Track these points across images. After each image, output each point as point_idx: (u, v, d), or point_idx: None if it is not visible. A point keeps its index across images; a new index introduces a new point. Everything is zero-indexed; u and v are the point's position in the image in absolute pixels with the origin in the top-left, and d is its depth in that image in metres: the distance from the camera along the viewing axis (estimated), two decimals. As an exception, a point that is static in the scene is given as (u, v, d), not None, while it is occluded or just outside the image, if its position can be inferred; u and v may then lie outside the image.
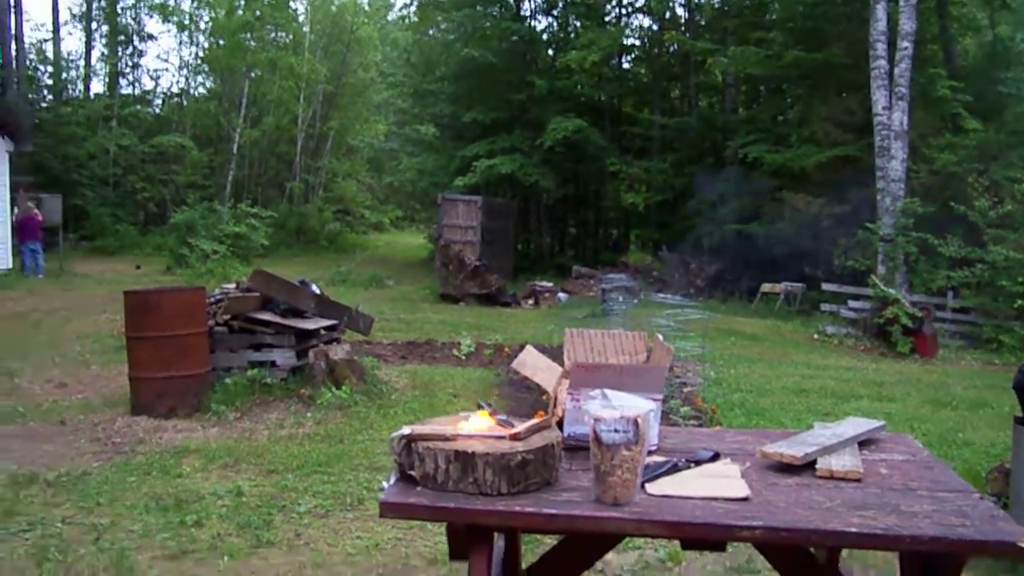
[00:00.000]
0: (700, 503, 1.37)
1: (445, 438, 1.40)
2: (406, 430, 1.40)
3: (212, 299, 4.63)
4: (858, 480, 1.48)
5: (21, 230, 10.47)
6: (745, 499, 1.38)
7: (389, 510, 1.34)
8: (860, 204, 9.64)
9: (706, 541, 1.37)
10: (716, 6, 14.16)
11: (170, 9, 17.89)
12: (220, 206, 14.02)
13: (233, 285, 4.95)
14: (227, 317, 4.51)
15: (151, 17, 18.76)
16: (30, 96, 15.63)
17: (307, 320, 4.78)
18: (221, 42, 17.34)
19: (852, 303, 8.84)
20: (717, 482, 1.46)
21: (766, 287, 10.86)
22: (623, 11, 15.22)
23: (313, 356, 4.63)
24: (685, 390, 5.00)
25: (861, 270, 9.15)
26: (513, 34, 13.85)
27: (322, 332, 4.88)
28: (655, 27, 15.27)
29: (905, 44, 9.13)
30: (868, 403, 5.06)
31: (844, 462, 1.53)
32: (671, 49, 14.88)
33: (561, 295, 10.64)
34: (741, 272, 11.51)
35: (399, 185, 18.78)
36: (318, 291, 5.09)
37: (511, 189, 14.11)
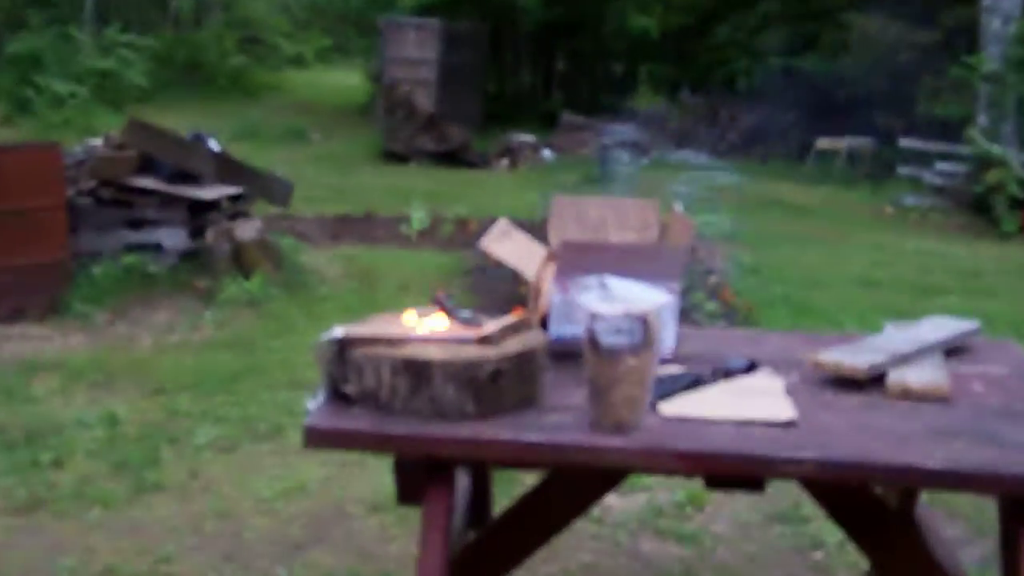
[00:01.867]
0: (730, 428, 1.38)
1: (391, 342, 1.43)
2: (339, 332, 1.42)
3: (72, 160, 4.56)
4: (944, 400, 1.48)
5: None
6: (791, 423, 1.39)
7: (316, 438, 1.37)
8: (956, 29, 9.28)
9: (738, 478, 1.41)
10: None
11: None
12: (78, 32, 13.50)
13: (100, 141, 4.87)
14: (93, 184, 4.46)
15: None
16: None
17: (203, 188, 4.75)
18: None
19: (940, 165, 8.70)
20: (753, 401, 1.48)
21: (823, 143, 10.81)
22: None
23: (213, 236, 4.64)
24: (711, 280, 5.06)
25: (955, 120, 8.91)
26: None
27: (224, 204, 4.87)
28: None
29: None
30: (959, 299, 5.06)
31: (924, 376, 1.53)
32: None
33: (546, 152, 10.70)
34: (789, 123, 11.50)
35: (326, 4, 17.99)
36: (218, 149, 5.06)
37: (479, 10, 13.77)
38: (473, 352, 1.43)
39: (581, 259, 1.63)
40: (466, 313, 1.56)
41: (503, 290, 4.52)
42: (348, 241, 6.08)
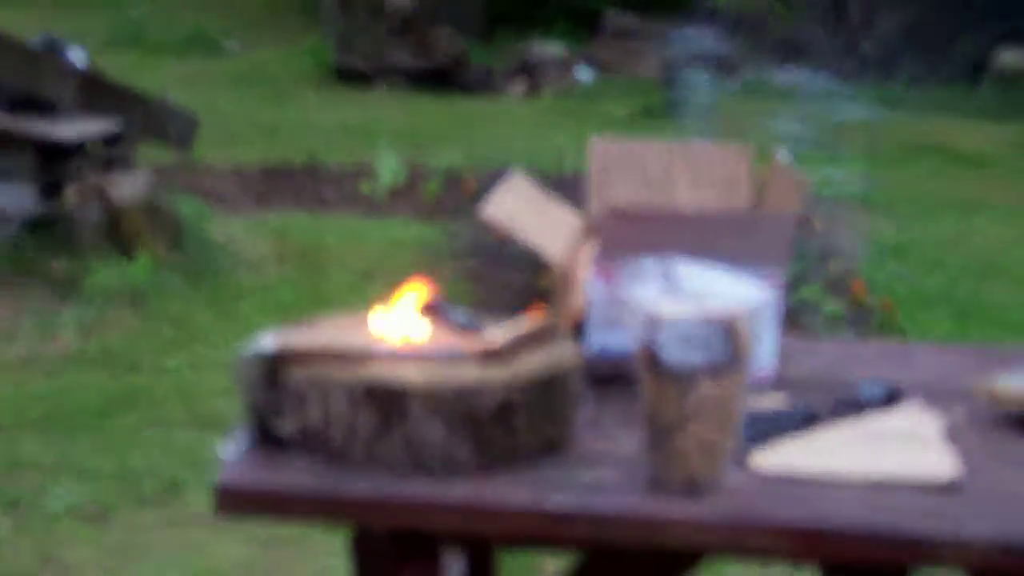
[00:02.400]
0: (860, 492, 1.39)
1: (348, 359, 1.47)
2: (269, 343, 1.46)
3: None
4: None
5: None
6: (953, 485, 1.41)
7: (233, 502, 1.40)
8: None
9: (871, 566, 1.42)
10: None
11: None
12: None
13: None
14: None
15: None
16: None
17: (60, 123, 4.80)
18: None
19: None
20: (896, 450, 1.49)
21: (1007, 58, 10.89)
22: None
23: (75, 196, 4.70)
24: (833, 266, 5.11)
25: None
26: None
27: (93, 148, 4.91)
28: None
29: None
30: None
31: None
32: None
33: (583, 72, 10.72)
34: (952, 29, 11.42)
35: None
36: (83, 63, 5.13)
37: None
38: (471, 375, 1.45)
39: (634, 233, 1.65)
40: (461, 315, 1.57)
41: (516, 280, 4.59)
42: (282, 205, 6.14)
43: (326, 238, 5.48)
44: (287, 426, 1.44)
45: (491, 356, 1.48)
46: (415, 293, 1.59)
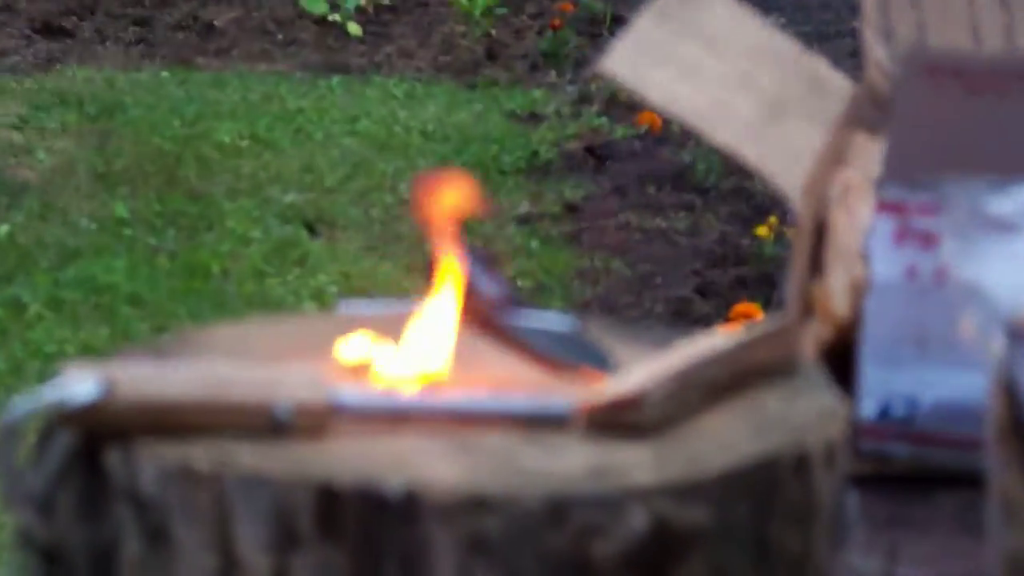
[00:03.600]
0: None
1: (277, 420, 1.12)
2: (85, 384, 1.12)
3: None
4: None
5: None
6: None
7: None
8: None
9: None
10: None
11: None
12: None
13: None
14: None
15: None
16: None
17: None
18: None
19: None
20: None
21: None
22: None
23: None
24: None
25: None
26: None
27: None
28: None
29: None
30: None
31: None
32: None
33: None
34: None
35: None
36: None
37: None
38: (567, 466, 1.09)
39: (970, 119, 1.46)
40: (553, 322, 1.25)
41: (678, 234, 4.48)
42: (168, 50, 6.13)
43: (216, 114, 5.56)
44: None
45: (613, 417, 1.12)
46: (443, 261, 1.23)
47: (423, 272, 1.24)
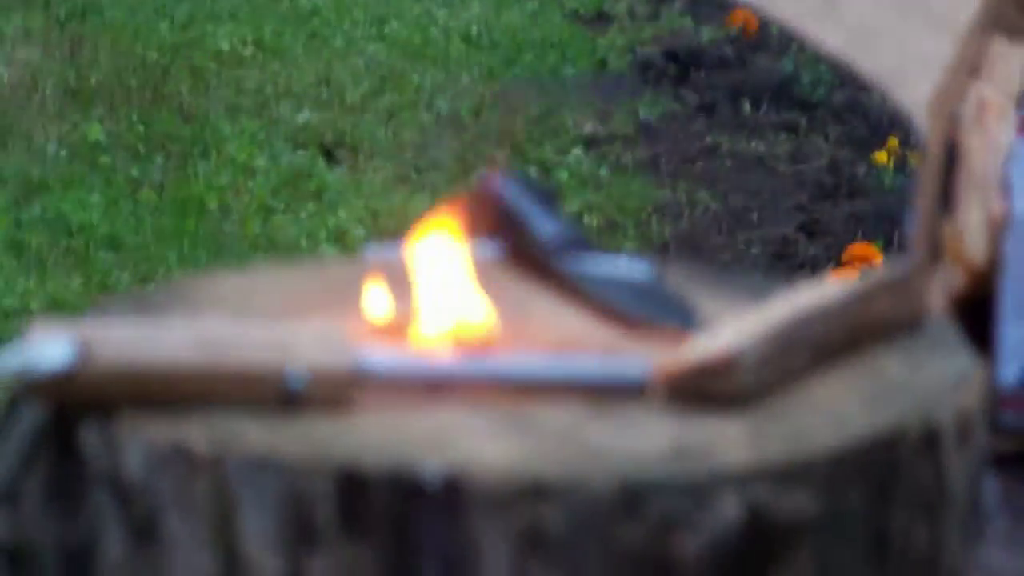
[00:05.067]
0: None
1: (280, 388, 1.13)
2: (54, 348, 1.14)
3: None
4: None
5: None
6: None
7: None
8: None
9: None
10: None
11: None
12: None
13: None
14: None
15: None
16: None
17: None
18: None
19: None
20: None
21: None
22: None
23: None
24: None
25: None
26: None
27: None
28: None
29: None
30: None
31: None
32: None
33: None
34: None
35: None
36: None
37: None
38: (639, 444, 1.10)
39: None
40: (626, 269, 1.28)
41: (777, 160, 4.67)
42: None
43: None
44: None
45: (700, 385, 1.13)
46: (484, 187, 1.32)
47: (466, 207, 1.25)
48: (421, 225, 1.30)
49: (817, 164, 4.93)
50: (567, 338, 1.20)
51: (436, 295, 1.26)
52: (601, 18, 5.98)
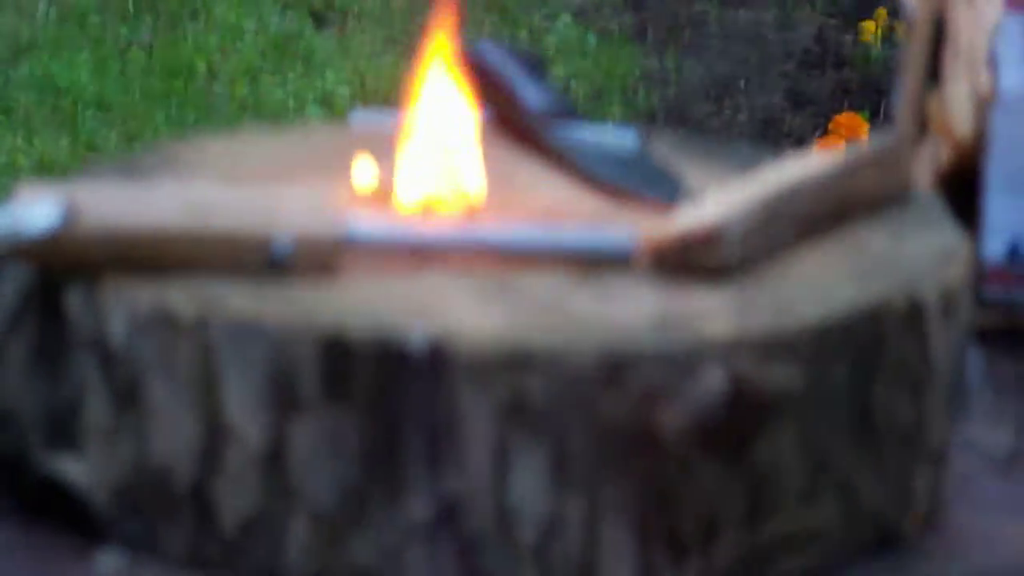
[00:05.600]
0: None
1: (270, 253, 1.13)
2: (42, 208, 1.13)
3: None
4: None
5: None
6: None
7: None
8: None
9: None
10: None
11: None
12: None
13: None
14: None
15: None
16: None
17: None
18: None
19: None
20: None
21: None
22: None
23: None
24: None
25: None
26: None
27: None
28: None
29: None
30: None
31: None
32: None
33: None
34: None
35: None
36: None
37: None
38: (625, 312, 1.11)
39: None
40: (612, 137, 1.30)
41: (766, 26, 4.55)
42: None
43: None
44: (85, 465, 1.12)
45: (685, 255, 1.14)
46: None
47: (455, 71, 1.25)
48: (413, 85, 1.27)
49: (804, 33, 4.93)
50: (553, 207, 1.20)
51: (423, 161, 1.24)
52: None
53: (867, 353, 1.12)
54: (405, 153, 1.23)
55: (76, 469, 1.10)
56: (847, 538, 1.11)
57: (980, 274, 1.34)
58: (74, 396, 1.09)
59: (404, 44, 4.79)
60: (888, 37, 4.28)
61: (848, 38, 4.71)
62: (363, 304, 1.10)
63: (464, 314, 1.06)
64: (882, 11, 4.29)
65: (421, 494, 1.02)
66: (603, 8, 5.00)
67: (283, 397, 1.04)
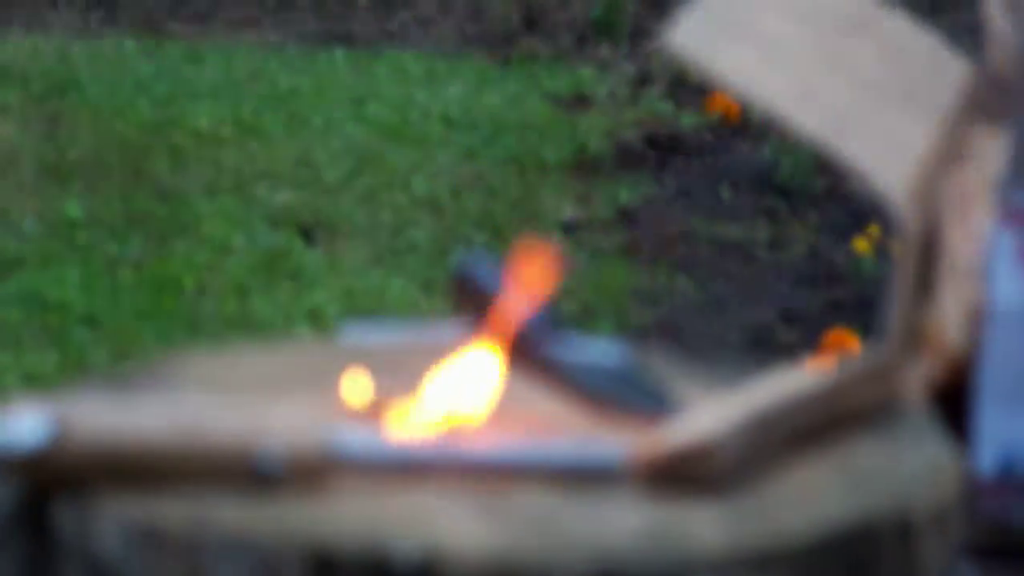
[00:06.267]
0: None
1: (262, 471, 1.16)
2: (31, 425, 1.16)
3: None
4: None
5: None
6: None
7: None
8: None
9: None
10: None
11: None
12: None
13: None
14: None
15: None
16: None
17: None
18: None
19: None
20: None
21: None
22: None
23: None
24: None
25: None
26: None
27: None
28: None
29: None
30: None
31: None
32: None
33: None
34: None
35: None
36: None
37: None
38: (621, 528, 1.12)
39: None
40: (603, 354, 1.30)
41: (758, 247, 4.61)
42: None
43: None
44: None
45: (676, 469, 1.16)
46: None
47: (442, 291, 1.26)
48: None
49: (796, 251, 4.93)
50: (544, 423, 1.22)
51: (415, 379, 1.25)
52: (580, 101, 5.98)
53: (857, 568, 1.12)
54: (396, 368, 1.23)
55: None
56: None
57: (973, 490, 1.31)
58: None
59: (392, 261, 4.84)
60: (881, 253, 4.30)
61: (840, 255, 4.71)
62: (351, 519, 1.10)
63: (454, 529, 1.06)
64: (874, 227, 4.32)
65: None
66: (594, 225, 5.01)
67: (272, 609, 1.02)
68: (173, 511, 1.08)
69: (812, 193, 5.14)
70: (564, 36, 6.64)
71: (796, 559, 1.09)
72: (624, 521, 1.10)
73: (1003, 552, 1.44)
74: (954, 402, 1.46)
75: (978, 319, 1.50)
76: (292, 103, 5.75)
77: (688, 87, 5.94)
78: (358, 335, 1.45)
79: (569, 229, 5.01)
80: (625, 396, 1.26)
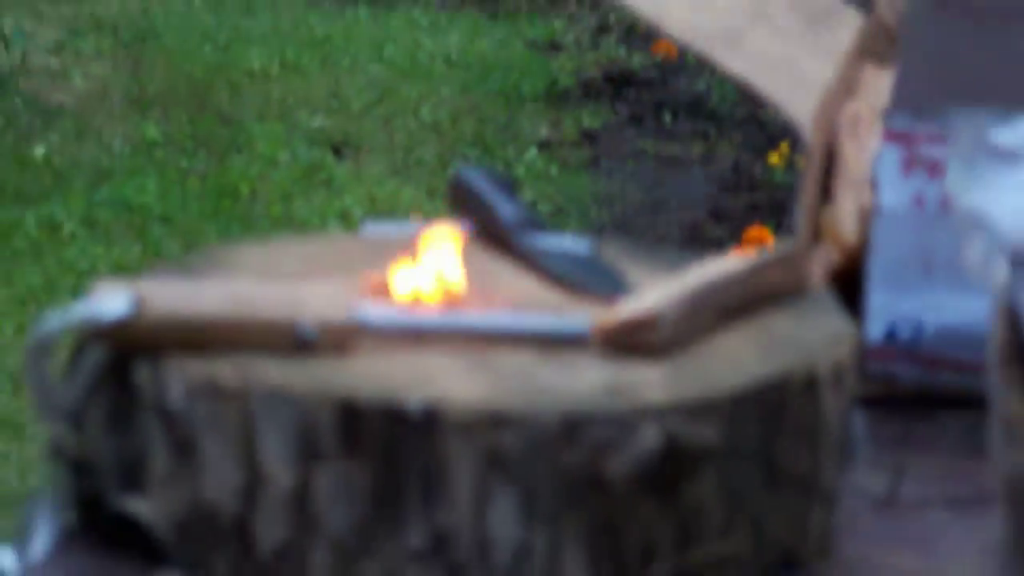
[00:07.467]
0: None
1: (299, 336, 1.13)
2: (116, 301, 1.12)
3: None
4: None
5: None
6: None
7: None
8: None
9: None
10: None
11: None
12: None
13: None
14: None
15: None
16: None
17: None
18: None
19: None
20: None
21: None
22: None
23: None
24: None
25: None
26: None
27: None
28: None
29: None
30: None
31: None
32: None
33: None
34: None
35: None
36: None
37: None
38: (583, 384, 1.08)
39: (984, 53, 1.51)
40: (570, 245, 1.28)
41: (690, 163, 4.46)
42: None
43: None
44: (149, 504, 1.09)
45: (628, 337, 1.10)
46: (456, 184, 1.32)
47: (443, 196, 1.25)
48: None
49: (723, 164, 4.93)
50: (524, 299, 1.20)
51: (423, 263, 1.28)
52: (553, 46, 5.95)
53: (773, 415, 1.10)
54: (409, 256, 1.22)
55: (143, 507, 1.08)
56: (756, 563, 1.08)
57: (863, 352, 1.33)
58: (141, 449, 1.07)
59: (405, 173, 4.83)
60: (790, 166, 4.29)
61: (758, 167, 4.69)
62: (372, 376, 1.07)
63: (452, 384, 1.04)
64: (785, 146, 4.31)
65: (417, 527, 0.99)
66: (563, 144, 4.98)
67: (308, 450, 1.01)
68: (228, 370, 1.07)
69: (736, 118, 5.10)
70: (540, -5, 6.57)
71: (724, 407, 1.06)
72: (587, 378, 1.07)
73: (886, 402, 1.45)
74: (849, 284, 1.42)
75: (868, 218, 1.47)
76: (325, 47, 5.71)
77: (638, 34, 5.90)
78: (377, 230, 1.43)
79: (544, 147, 5.00)
80: (588, 279, 1.24)
